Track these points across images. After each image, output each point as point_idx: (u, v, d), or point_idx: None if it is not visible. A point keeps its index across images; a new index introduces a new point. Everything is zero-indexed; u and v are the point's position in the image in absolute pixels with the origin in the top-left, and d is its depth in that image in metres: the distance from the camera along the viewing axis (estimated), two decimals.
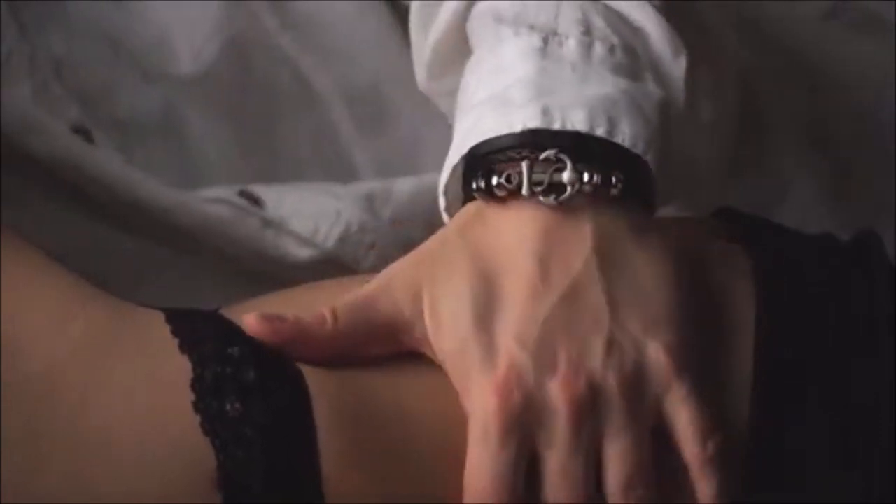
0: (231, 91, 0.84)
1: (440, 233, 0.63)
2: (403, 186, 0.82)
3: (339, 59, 0.85)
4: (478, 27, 0.70)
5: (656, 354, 0.60)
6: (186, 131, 0.83)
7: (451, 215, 0.66)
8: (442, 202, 0.67)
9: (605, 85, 0.65)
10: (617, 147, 0.63)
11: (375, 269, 0.66)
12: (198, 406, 0.56)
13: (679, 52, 0.68)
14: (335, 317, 0.60)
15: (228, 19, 0.83)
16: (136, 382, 0.57)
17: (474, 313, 0.60)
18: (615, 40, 0.67)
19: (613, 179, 0.62)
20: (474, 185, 0.62)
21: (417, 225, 0.80)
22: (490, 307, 0.60)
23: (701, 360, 0.61)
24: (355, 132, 0.86)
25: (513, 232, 0.61)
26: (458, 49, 0.72)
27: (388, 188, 0.82)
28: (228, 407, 0.56)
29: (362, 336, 0.60)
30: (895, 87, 0.89)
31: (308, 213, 0.79)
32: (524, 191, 0.61)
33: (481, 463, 0.58)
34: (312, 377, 0.58)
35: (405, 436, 0.59)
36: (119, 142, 0.80)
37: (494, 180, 0.62)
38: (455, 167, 0.65)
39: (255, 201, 0.80)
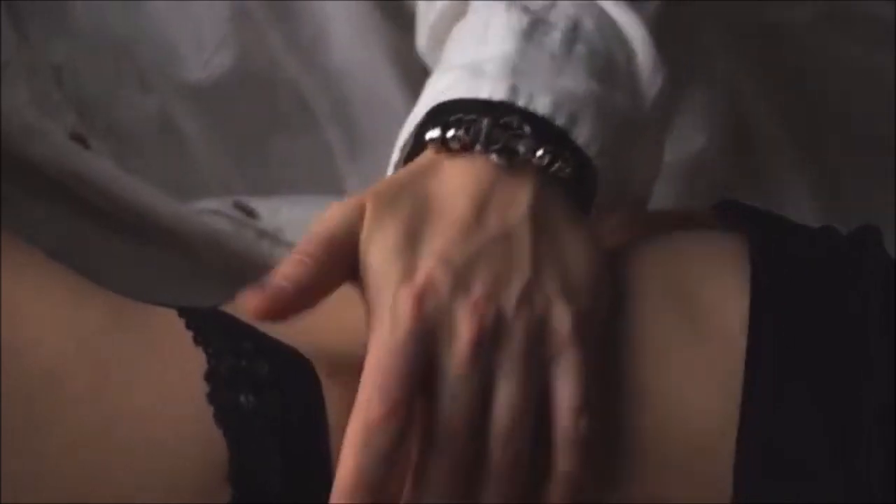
0: (231, 104, 0.84)
1: (390, 176, 0.65)
2: None
3: (339, 83, 0.85)
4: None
5: (561, 316, 0.60)
6: (182, 142, 0.84)
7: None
8: (395, 157, 0.67)
9: (578, 83, 0.66)
10: (572, 142, 0.64)
11: None
12: (212, 397, 0.56)
13: (657, 73, 0.69)
14: (314, 258, 0.60)
15: (236, 33, 0.84)
16: (146, 374, 0.57)
17: (404, 237, 0.60)
18: (598, 46, 0.68)
19: (561, 163, 0.63)
20: (428, 136, 0.63)
21: None
22: (420, 236, 0.60)
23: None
24: (349, 155, 0.87)
25: (458, 179, 0.62)
26: (459, 19, 0.73)
27: None
28: (243, 399, 0.56)
29: (337, 268, 0.61)
30: (894, 91, 0.91)
31: (301, 223, 0.80)
32: (478, 145, 0.62)
33: (383, 359, 0.57)
34: (323, 367, 0.59)
35: None
36: (114, 150, 0.81)
37: (451, 132, 0.63)
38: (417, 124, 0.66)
39: (250, 213, 0.81)
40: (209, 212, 0.79)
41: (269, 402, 0.57)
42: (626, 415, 0.62)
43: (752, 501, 0.60)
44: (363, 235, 0.60)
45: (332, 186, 0.87)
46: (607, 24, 0.69)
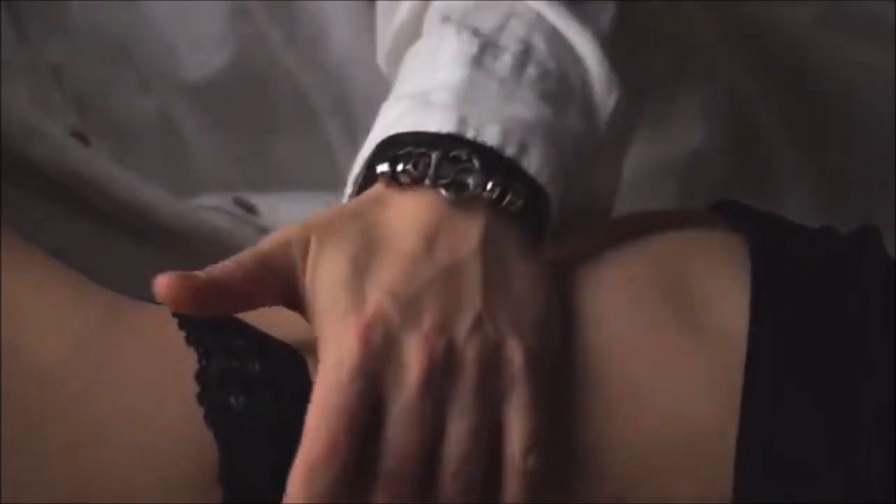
0: (230, 102, 0.85)
1: (338, 206, 0.64)
2: None
3: (338, 78, 0.86)
4: (428, 20, 0.71)
5: (513, 350, 0.59)
6: (181, 140, 0.84)
7: None
8: (349, 189, 0.66)
9: (528, 108, 0.65)
10: (523, 171, 0.63)
11: None
12: (202, 398, 0.56)
13: (611, 91, 0.68)
14: (241, 266, 0.59)
15: (234, 31, 0.84)
16: (140, 375, 0.57)
17: (352, 267, 0.59)
18: (551, 66, 0.67)
19: (512, 196, 0.62)
20: (379, 169, 0.63)
21: None
22: (368, 267, 0.60)
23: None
24: (349, 151, 0.87)
25: (407, 212, 0.62)
26: (414, 41, 0.72)
27: None
28: (233, 400, 0.56)
29: (267, 284, 0.60)
30: (893, 91, 0.91)
31: (301, 219, 0.80)
32: (427, 180, 0.62)
33: (327, 396, 0.56)
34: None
35: None
36: (113, 148, 0.81)
37: (400, 167, 0.62)
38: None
39: (250, 209, 0.81)
40: (209, 208, 0.80)
41: (260, 401, 0.57)
42: (624, 415, 0.61)
43: (752, 501, 0.60)
44: (310, 265, 0.60)
45: (331, 183, 0.87)
46: (560, 45, 0.69)
